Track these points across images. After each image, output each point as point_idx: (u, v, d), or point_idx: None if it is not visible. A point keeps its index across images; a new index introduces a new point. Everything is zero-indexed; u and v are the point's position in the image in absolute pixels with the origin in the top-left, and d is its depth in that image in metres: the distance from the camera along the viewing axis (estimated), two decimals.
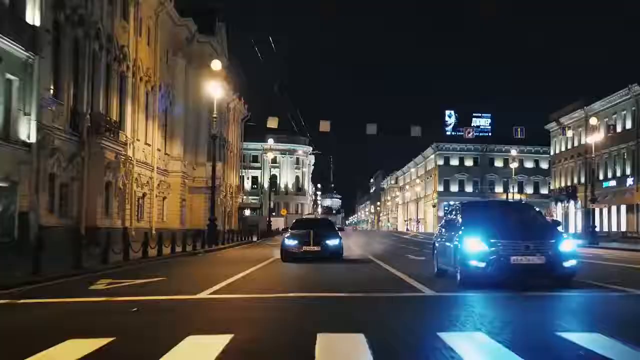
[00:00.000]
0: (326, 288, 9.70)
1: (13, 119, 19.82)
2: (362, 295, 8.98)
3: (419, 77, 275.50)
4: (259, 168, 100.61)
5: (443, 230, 11.83)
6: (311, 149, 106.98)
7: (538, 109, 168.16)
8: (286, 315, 6.96)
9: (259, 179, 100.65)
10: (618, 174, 54.16)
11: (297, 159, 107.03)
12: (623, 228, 51.81)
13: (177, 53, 40.31)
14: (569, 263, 9.17)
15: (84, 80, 25.27)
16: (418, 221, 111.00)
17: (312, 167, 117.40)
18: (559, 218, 66.34)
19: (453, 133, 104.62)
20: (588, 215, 50.99)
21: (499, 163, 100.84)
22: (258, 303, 8.39)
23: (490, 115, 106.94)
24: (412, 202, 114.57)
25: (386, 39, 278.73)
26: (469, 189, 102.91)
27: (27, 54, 20.21)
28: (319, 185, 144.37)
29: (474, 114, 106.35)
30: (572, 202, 64.37)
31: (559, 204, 67.91)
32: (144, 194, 34.11)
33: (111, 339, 5.25)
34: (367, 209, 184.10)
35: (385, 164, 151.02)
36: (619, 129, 53.96)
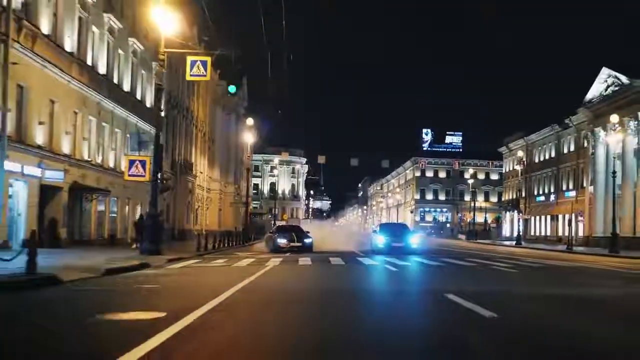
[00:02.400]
0: (325, 252, 25.61)
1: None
2: (339, 253, 24.93)
3: (420, 77, 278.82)
4: (260, 176, 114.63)
5: (373, 233, 28.14)
6: (305, 160, 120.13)
7: (538, 106, 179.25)
8: (318, 257, 23.03)
9: (259, 186, 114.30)
10: (546, 191, 70.16)
11: (293, 168, 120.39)
12: (548, 233, 68.22)
13: (216, 104, 56.41)
14: (415, 245, 25.50)
15: (175, 139, 41.31)
16: None
17: (306, 175, 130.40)
18: (507, 224, 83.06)
19: (429, 149, 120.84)
20: (526, 223, 68.81)
21: (468, 175, 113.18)
22: (308, 255, 24.36)
23: (461, 133, 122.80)
24: (394, 208, 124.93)
25: (386, 39, 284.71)
26: (442, 197, 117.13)
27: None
28: (311, 192, 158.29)
29: (447, 132, 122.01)
30: (515, 211, 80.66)
31: (507, 212, 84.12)
32: (198, 207, 50.10)
33: (283, 257, 21.49)
34: (355, 212, 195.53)
35: (372, 170, 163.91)
36: (547, 156, 70.03)
